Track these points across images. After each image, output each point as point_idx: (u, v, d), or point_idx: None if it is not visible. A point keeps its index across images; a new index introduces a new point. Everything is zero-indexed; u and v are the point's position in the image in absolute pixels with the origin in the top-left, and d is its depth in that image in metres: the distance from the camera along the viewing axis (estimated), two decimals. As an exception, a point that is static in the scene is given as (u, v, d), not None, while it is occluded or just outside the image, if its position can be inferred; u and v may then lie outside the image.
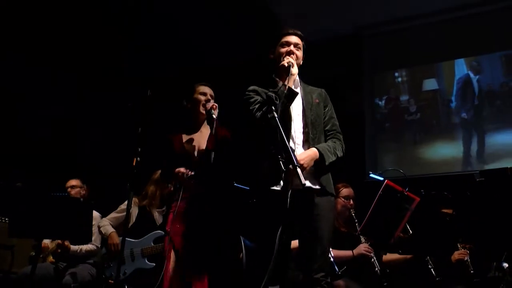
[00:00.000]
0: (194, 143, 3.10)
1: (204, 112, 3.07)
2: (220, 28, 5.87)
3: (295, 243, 3.02)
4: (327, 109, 2.66)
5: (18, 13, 5.23)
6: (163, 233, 3.72)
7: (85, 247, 3.96)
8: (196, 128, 3.17)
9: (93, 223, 3.82)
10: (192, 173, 2.93)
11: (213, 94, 3.17)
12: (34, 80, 5.63)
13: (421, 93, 5.82)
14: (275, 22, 5.49)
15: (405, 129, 5.79)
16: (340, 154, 2.55)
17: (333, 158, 2.49)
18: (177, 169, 2.96)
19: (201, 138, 3.12)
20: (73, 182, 4.31)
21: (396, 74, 6.00)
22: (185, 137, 3.14)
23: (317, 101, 2.62)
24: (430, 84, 5.80)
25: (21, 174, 4.78)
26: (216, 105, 3.05)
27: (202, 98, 3.11)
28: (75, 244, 3.93)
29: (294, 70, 2.45)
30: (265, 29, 5.45)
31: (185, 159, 3.04)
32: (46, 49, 5.54)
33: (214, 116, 2.96)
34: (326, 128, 2.61)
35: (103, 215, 4.14)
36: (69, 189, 4.22)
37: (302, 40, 2.66)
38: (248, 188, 4.02)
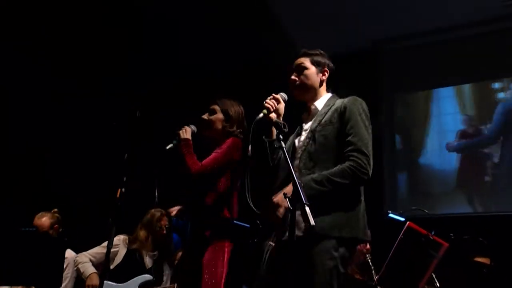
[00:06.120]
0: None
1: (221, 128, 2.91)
2: (226, 45, 5.75)
3: None
4: (347, 127, 2.24)
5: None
6: (152, 277, 3.61)
7: None
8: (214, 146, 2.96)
9: (66, 264, 3.47)
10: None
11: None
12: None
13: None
14: (286, 36, 5.41)
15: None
16: (344, 180, 2.12)
17: (321, 189, 2.11)
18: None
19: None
20: (44, 219, 3.74)
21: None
22: None
23: (328, 127, 2.29)
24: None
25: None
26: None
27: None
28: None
29: (272, 114, 2.30)
30: (276, 44, 5.46)
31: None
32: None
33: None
34: (345, 150, 2.21)
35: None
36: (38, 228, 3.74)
37: (308, 56, 2.46)
38: (249, 225, 3.73)
